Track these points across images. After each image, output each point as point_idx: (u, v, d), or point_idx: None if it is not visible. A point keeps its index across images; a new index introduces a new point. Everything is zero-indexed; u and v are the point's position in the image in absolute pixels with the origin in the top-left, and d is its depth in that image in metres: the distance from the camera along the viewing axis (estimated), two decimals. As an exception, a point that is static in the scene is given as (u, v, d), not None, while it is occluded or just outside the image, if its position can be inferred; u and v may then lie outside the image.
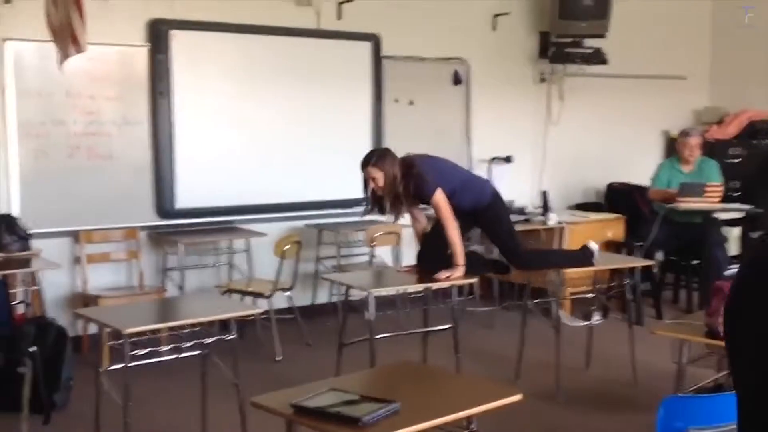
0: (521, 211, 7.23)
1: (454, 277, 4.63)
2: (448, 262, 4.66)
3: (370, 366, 4.33)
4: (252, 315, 4.82)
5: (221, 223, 6.39)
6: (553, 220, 6.95)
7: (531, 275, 5.34)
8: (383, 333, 4.65)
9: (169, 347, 3.90)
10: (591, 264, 4.98)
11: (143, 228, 6.09)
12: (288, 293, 5.93)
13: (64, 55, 4.68)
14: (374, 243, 6.35)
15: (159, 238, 6.14)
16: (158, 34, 6.02)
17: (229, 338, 3.93)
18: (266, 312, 5.57)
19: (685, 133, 7.01)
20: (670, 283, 7.41)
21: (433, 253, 4.78)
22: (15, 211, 5.51)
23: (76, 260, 5.87)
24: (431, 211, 4.78)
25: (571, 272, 5.12)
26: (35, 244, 5.39)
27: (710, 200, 6.69)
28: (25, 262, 5.19)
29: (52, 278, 5.55)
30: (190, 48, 6.13)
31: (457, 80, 7.41)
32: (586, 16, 7.51)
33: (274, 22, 6.44)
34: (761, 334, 1.09)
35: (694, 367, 3.88)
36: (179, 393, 4.82)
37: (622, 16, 7.59)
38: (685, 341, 3.81)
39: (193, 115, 6.18)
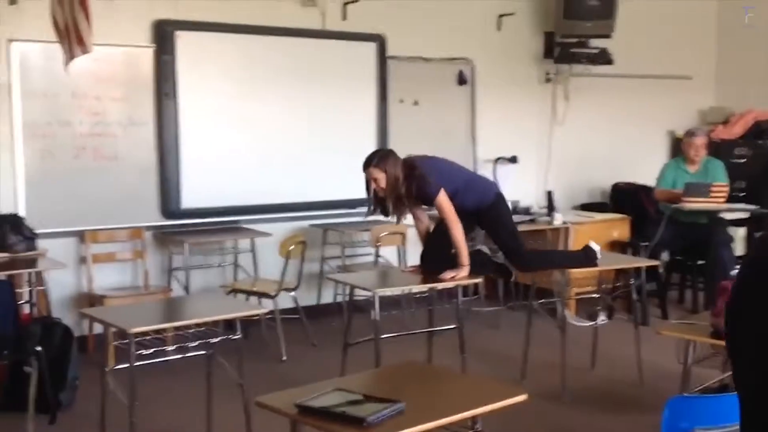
0: (526, 211, 7.23)
1: (459, 277, 4.63)
2: (453, 262, 4.66)
3: (375, 366, 4.33)
4: (257, 315, 4.82)
5: (226, 223, 6.39)
6: (558, 220, 6.94)
7: (536, 275, 5.34)
8: (388, 333, 4.65)
9: (174, 347, 3.90)
10: (594, 264, 4.97)
11: (149, 228, 6.10)
12: (293, 293, 5.93)
13: (70, 56, 4.70)
14: (379, 243, 6.35)
15: (164, 238, 6.15)
16: (164, 34, 6.02)
17: (234, 338, 3.93)
18: (271, 312, 5.58)
19: (690, 133, 7.00)
20: (676, 283, 7.40)
21: (436, 252, 4.78)
22: (21, 211, 5.52)
23: (82, 260, 5.88)
24: (434, 211, 4.78)
25: (576, 272, 5.11)
26: (41, 244, 5.40)
27: (716, 200, 6.68)
28: (31, 262, 5.20)
29: (58, 278, 5.57)
30: (196, 49, 6.14)
31: (462, 80, 7.41)
32: (591, 16, 7.50)
33: (279, 23, 6.45)
34: (761, 334, 1.09)
35: (700, 368, 3.87)
36: (184, 393, 4.82)
37: (627, 16, 7.58)
38: (691, 341, 3.80)
39: (198, 115, 6.19)
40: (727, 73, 8.72)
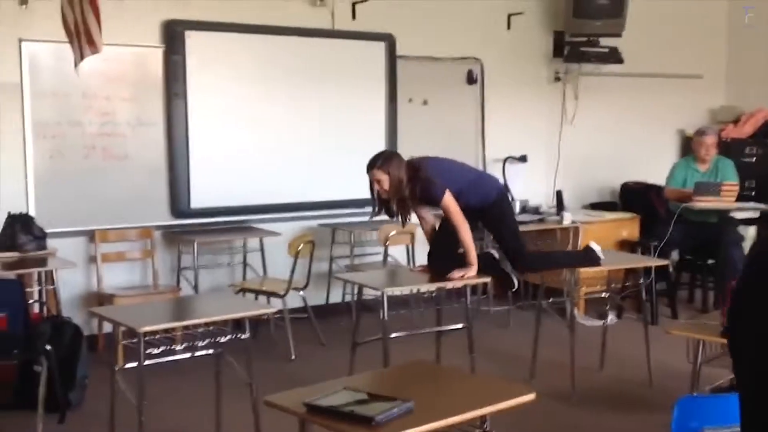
0: (536, 210, 7.22)
1: (468, 276, 4.62)
2: (460, 260, 4.65)
3: (384, 365, 4.33)
4: (266, 314, 4.81)
5: (235, 222, 6.41)
6: (567, 219, 6.93)
7: (546, 275, 5.32)
8: (397, 332, 4.64)
9: (183, 346, 3.90)
10: (598, 264, 4.94)
11: (158, 227, 6.12)
12: (302, 293, 5.93)
13: (80, 56, 4.71)
14: (388, 242, 6.36)
15: (173, 237, 6.16)
16: (173, 35, 6.04)
17: (243, 337, 3.93)
18: (280, 311, 5.59)
19: (700, 132, 6.98)
20: (686, 282, 7.38)
21: (443, 251, 4.77)
22: (31, 211, 5.54)
23: (92, 259, 5.90)
24: (440, 210, 4.76)
25: (585, 272, 5.09)
26: (51, 243, 5.42)
27: (726, 199, 6.66)
28: (41, 262, 5.22)
29: (68, 277, 5.59)
30: (205, 49, 6.15)
31: (471, 80, 7.40)
32: (601, 15, 7.48)
33: (288, 23, 6.45)
34: (761, 334, 1.08)
35: (710, 367, 3.85)
36: (193, 392, 4.83)
37: (637, 14, 7.56)
38: (701, 341, 3.79)
39: (207, 115, 6.20)
40: (738, 72, 8.69)
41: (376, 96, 6.92)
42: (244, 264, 6.45)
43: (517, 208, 7.10)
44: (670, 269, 6.74)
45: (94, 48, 4.63)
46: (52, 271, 5.26)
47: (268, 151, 6.49)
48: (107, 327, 5.39)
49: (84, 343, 4.85)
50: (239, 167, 6.35)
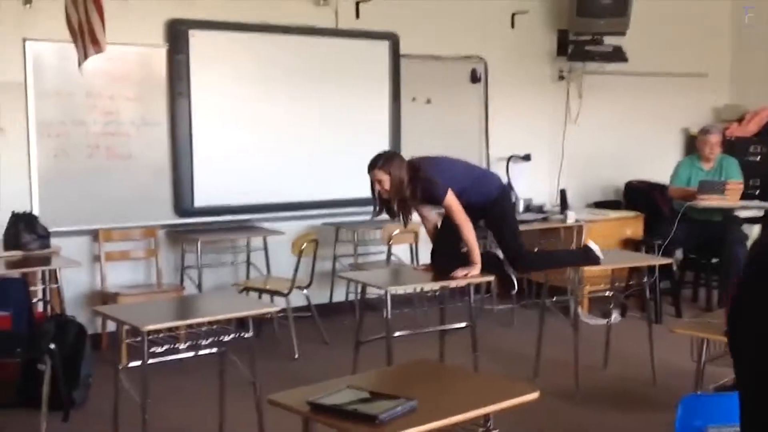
0: (539, 209, 7.21)
1: (472, 275, 4.62)
2: (463, 258, 4.64)
3: (387, 364, 4.33)
4: (269, 313, 4.81)
5: (239, 221, 6.41)
6: (571, 218, 6.93)
7: (549, 273, 5.32)
8: (400, 331, 4.64)
9: (186, 345, 3.90)
10: (597, 262, 4.93)
11: (162, 226, 6.13)
12: (305, 291, 5.94)
13: (84, 56, 4.71)
14: (391, 241, 6.36)
15: (177, 236, 6.17)
16: (177, 34, 6.04)
17: (246, 336, 3.93)
18: (283, 310, 5.59)
19: (705, 131, 6.97)
20: (690, 281, 7.36)
21: (447, 248, 4.77)
22: (35, 210, 5.55)
23: (95, 258, 5.91)
24: (441, 208, 4.76)
25: (589, 270, 5.09)
26: (55, 242, 5.43)
27: (730, 198, 6.65)
28: (45, 260, 5.23)
29: (72, 276, 5.60)
30: (209, 48, 6.15)
31: (475, 78, 7.40)
32: (604, 14, 7.47)
33: (292, 22, 6.46)
34: (761, 334, 1.08)
35: (714, 366, 3.84)
36: (197, 391, 4.84)
37: (641, 13, 7.54)
38: (705, 339, 3.78)
39: (211, 114, 6.20)
40: (742, 70, 8.67)
41: (380, 95, 6.91)
42: (248, 263, 6.46)
43: (521, 207, 7.10)
44: (674, 268, 6.74)
45: (98, 47, 4.63)
46: (56, 270, 5.27)
47: (272, 150, 6.49)
48: (111, 326, 5.39)
49: (88, 341, 4.85)
50: (243, 166, 6.35)
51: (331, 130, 6.70)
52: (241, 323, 4.03)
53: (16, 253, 5.16)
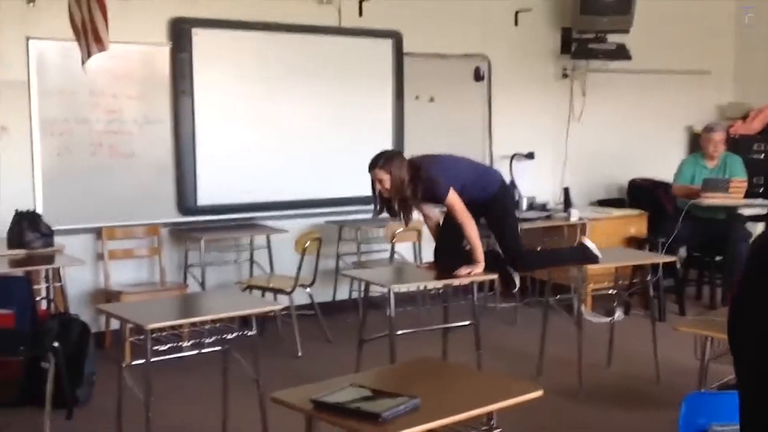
0: (543, 207, 7.21)
1: (475, 273, 4.62)
2: (466, 256, 4.64)
3: (390, 362, 4.33)
4: (273, 311, 4.83)
5: (242, 219, 6.41)
6: (574, 216, 6.92)
7: (553, 271, 5.31)
8: (403, 329, 4.64)
9: (190, 343, 3.91)
10: (596, 261, 4.92)
11: (165, 225, 6.13)
12: (308, 289, 5.94)
13: (87, 54, 4.72)
14: (394, 239, 6.35)
15: (180, 234, 6.17)
16: (180, 32, 6.04)
17: (249, 334, 3.93)
18: (287, 308, 5.60)
19: (708, 129, 6.96)
20: (693, 279, 7.35)
21: (449, 246, 4.77)
22: (38, 208, 5.55)
23: (99, 257, 5.91)
24: (443, 206, 4.75)
25: (592, 269, 5.08)
26: (58, 240, 5.43)
27: (734, 196, 6.64)
28: (49, 259, 5.23)
29: (75, 274, 5.60)
30: (212, 46, 6.15)
31: (478, 77, 7.39)
32: (608, 12, 7.46)
33: (295, 20, 6.45)
34: (761, 334, 1.07)
35: (717, 364, 3.83)
36: (200, 388, 4.84)
37: (645, 11, 7.53)
38: (708, 337, 3.78)
39: (214, 113, 6.20)
40: (746, 68, 8.65)
41: (383, 93, 6.91)
42: (251, 261, 6.46)
43: (524, 205, 7.10)
44: (678, 266, 6.73)
45: (101, 46, 4.64)
46: (59, 269, 5.27)
47: (275, 149, 6.49)
48: (114, 324, 5.39)
49: (91, 339, 4.86)
50: (246, 164, 6.35)
51: (335, 128, 6.70)
52: (244, 321, 4.03)
53: (20, 252, 5.16)
